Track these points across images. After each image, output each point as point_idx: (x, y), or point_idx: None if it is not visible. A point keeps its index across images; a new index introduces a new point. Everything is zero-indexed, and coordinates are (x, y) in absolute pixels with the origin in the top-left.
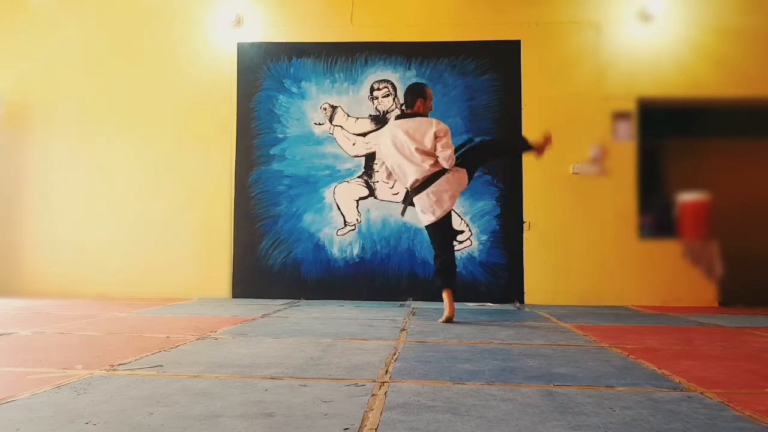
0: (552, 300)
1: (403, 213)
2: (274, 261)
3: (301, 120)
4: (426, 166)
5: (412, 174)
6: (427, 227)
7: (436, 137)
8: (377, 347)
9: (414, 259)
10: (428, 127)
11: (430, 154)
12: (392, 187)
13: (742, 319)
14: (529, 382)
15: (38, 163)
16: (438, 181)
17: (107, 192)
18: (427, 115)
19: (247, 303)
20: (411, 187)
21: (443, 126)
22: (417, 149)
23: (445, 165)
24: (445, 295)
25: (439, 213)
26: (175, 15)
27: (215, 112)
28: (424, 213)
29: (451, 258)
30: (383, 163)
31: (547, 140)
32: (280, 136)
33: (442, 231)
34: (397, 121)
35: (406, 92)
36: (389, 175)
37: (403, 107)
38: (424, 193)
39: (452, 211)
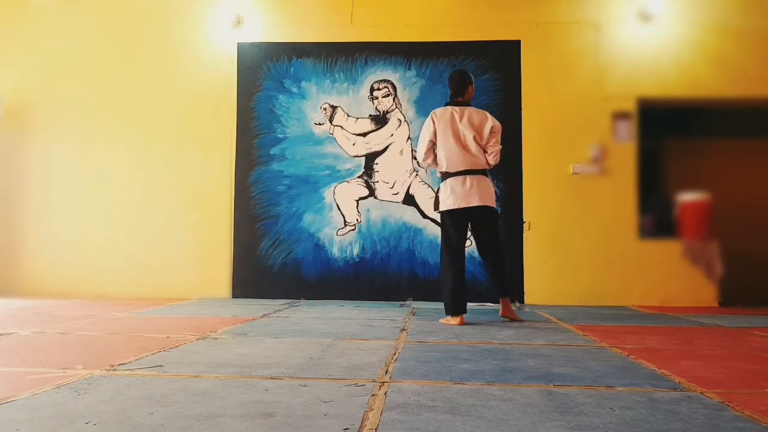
0: (552, 300)
1: (435, 207)
2: (274, 261)
3: (301, 120)
4: (480, 159)
5: (461, 162)
6: (443, 216)
7: (491, 132)
8: (377, 347)
9: (414, 259)
10: (485, 119)
11: (482, 147)
12: (392, 188)
13: (742, 319)
14: (529, 382)
15: (38, 163)
16: (480, 176)
17: (107, 192)
18: (471, 104)
19: (247, 303)
20: (453, 171)
21: (498, 122)
22: (475, 138)
23: (492, 161)
24: (458, 317)
25: (459, 204)
26: (175, 15)
27: (215, 112)
28: (447, 198)
29: (461, 271)
30: (430, 146)
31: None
32: (280, 136)
33: (456, 226)
34: (453, 106)
35: (456, 79)
36: (434, 161)
37: (452, 94)
38: (461, 177)
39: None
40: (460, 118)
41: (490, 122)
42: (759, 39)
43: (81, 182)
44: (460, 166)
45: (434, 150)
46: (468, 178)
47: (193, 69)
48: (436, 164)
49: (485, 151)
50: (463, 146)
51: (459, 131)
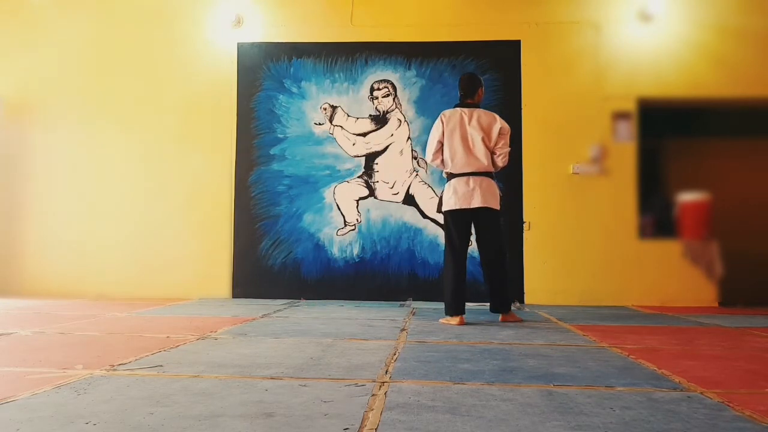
0: (552, 300)
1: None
2: (274, 261)
3: (301, 120)
4: (484, 161)
5: (466, 163)
6: (446, 217)
7: (500, 133)
8: (377, 347)
9: (414, 259)
10: (494, 121)
11: (490, 149)
12: (392, 188)
13: (742, 319)
14: (529, 382)
15: (38, 164)
16: (483, 178)
17: (107, 192)
18: (480, 106)
19: (247, 303)
20: (457, 172)
21: (507, 125)
22: (483, 140)
23: (501, 162)
24: (457, 317)
25: (460, 205)
26: (175, 15)
27: (215, 112)
28: (449, 199)
29: (462, 272)
30: (438, 147)
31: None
32: (280, 136)
33: (458, 227)
34: (463, 108)
35: (465, 81)
36: (443, 161)
37: (462, 96)
38: (465, 178)
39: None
40: (469, 120)
41: (499, 124)
42: (759, 39)
43: (81, 182)
44: (464, 167)
45: (442, 151)
46: (471, 179)
47: (193, 69)
48: (444, 165)
49: (494, 153)
50: (469, 148)
51: (467, 133)
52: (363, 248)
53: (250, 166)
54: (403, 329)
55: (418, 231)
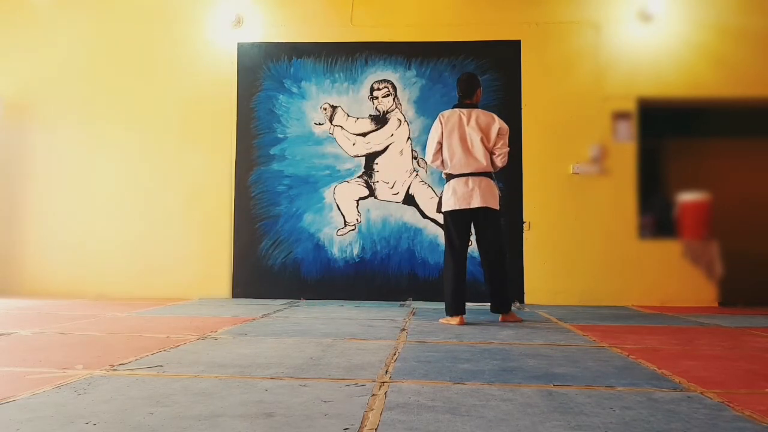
0: (552, 300)
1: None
2: (274, 261)
3: (301, 120)
4: (483, 162)
5: (465, 164)
6: (445, 217)
7: (499, 134)
8: (377, 347)
9: (414, 259)
10: (492, 121)
11: (489, 149)
12: (392, 188)
13: (742, 319)
14: (529, 382)
15: (38, 164)
16: (482, 178)
17: (107, 192)
18: (478, 107)
19: (247, 303)
20: (456, 173)
21: (506, 125)
22: (482, 140)
23: (499, 163)
24: (457, 317)
25: (459, 205)
26: (175, 15)
27: (215, 112)
28: (448, 199)
29: (462, 272)
30: (438, 147)
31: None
32: (280, 136)
33: (458, 227)
34: (461, 109)
35: (464, 81)
36: (442, 162)
37: (461, 96)
38: (464, 179)
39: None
40: (468, 121)
41: (498, 124)
42: (759, 39)
43: (81, 182)
44: (463, 168)
45: (442, 151)
46: (471, 180)
47: (193, 69)
48: (443, 166)
49: (492, 153)
50: (468, 149)
51: (466, 134)
52: (363, 248)
53: (250, 166)
54: (403, 329)
55: (418, 231)
